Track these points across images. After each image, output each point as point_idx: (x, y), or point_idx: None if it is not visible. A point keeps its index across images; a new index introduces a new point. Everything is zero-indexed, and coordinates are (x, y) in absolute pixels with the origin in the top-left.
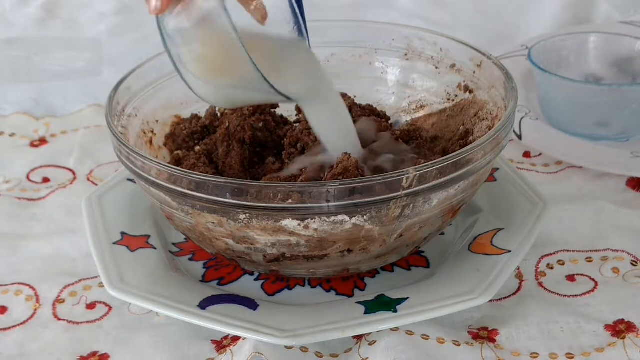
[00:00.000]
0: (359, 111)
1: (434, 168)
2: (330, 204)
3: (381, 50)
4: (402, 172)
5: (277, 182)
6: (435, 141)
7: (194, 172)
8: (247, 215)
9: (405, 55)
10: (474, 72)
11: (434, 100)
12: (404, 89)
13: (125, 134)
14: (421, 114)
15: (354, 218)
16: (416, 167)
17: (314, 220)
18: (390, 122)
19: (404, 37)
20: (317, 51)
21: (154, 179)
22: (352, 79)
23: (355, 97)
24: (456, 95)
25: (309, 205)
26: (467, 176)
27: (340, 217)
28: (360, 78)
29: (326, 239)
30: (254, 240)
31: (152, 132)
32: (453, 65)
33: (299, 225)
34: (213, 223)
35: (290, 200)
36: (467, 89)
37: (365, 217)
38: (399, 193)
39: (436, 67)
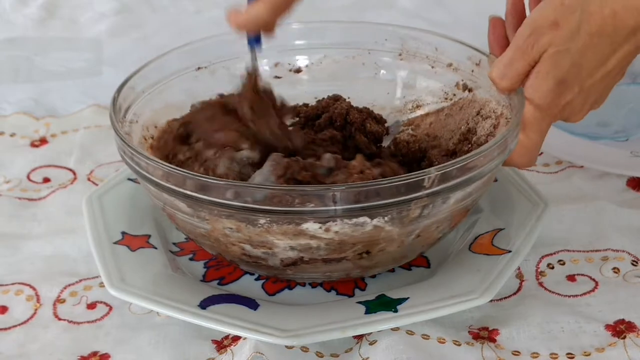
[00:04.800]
0: (356, 114)
1: (454, 168)
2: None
3: (375, 51)
4: (424, 172)
5: (299, 186)
6: (434, 140)
7: (213, 178)
8: (268, 219)
9: (400, 55)
10: (473, 71)
11: (431, 100)
12: (400, 89)
13: (129, 140)
14: (418, 113)
15: (375, 219)
16: (437, 166)
17: (335, 222)
18: (387, 124)
19: (397, 38)
20: (309, 53)
21: (171, 187)
22: (347, 80)
23: (349, 98)
24: (454, 94)
25: (333, 207)
26: (484, 175)
27: (361, 219)
28: (355, 79)
29: (346, 241)
30: (273, 245)
31: (152, 138)
32: (450, 64)
33: (320, 228)
34: (231, 229)
35: (312, 205)
36: (466, 87)
37: (386, 218)
38: (421, 193)
39: (432, 67)
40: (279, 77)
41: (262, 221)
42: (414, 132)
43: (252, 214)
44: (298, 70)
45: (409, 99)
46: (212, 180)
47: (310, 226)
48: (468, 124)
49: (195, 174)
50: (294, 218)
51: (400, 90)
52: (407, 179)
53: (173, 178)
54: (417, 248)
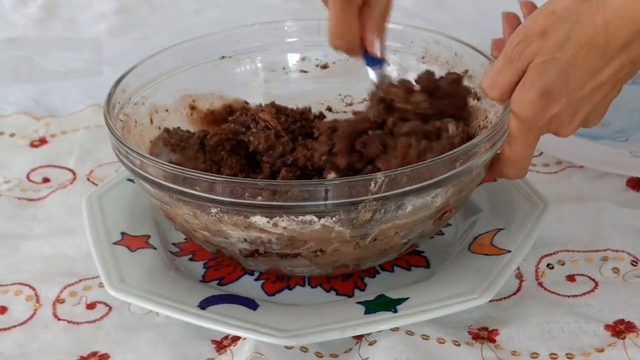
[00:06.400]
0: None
1: (404, 173)
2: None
3: (400, 52)
4: (371, 176)
5: (246, 179)
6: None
7: (168, 164)
8: (218, 209)
9: (423, 58)
10: None
11: None
12: None
13: (128, 121)
14: None
15: (322, 219)
16: (385, 172)
17: (282, 218)
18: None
19: (422, 40)
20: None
21: (136, 168)
22: (370, 80)
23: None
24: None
25: (276, 203)
26: (440, 184)
27: (308, 217)
28: None
29: (296, 237)
30: (228, 235)
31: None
32: (466, 71)
33: (268, 222)
34: (189, 215)
35: (259, 197)
36: (475, 96)
37: (334, 218)
38: (367, 197)
39: None
40: (305, 72)
41: (213, 210)
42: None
43: (202, 202)
44: (325, 66)
45: None
46: (160, 165)
47: (259, 219)
48: (469, 133)
49: (151, 157)
50: (241, 209)
51: None
52: (351, 181)
53: (142, 162)
54: (379, 251)
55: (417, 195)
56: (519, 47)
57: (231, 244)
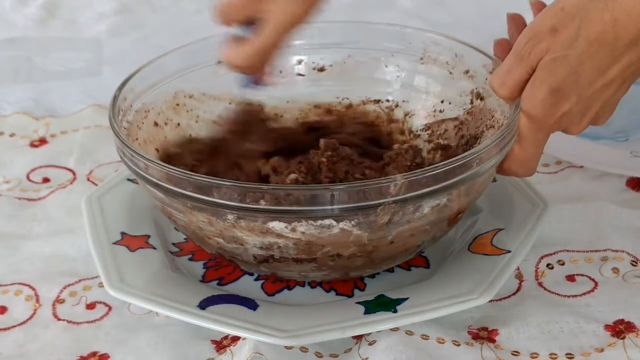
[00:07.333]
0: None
1: (423, 176)
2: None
3: (398, 54)
4: (390, 178)
5: (264, 184)
6: (448, 149)
7: (184, 171)
8: (235, 215)
9: (421, 59)
10: (486, 79)
11: (447, 106)
12: (418, 94)
13: (130, 128)
14: (435, 119)
15: (341, 223)
16: (405, 174)
17: (300, 223)
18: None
19: (420, 42)
20: (334, 52)
21: (145, 174)
22: (368, 82)
23: (367, 98)
24: (471, 102)
25: (295, 208)
26: (457, 185)
27: (327, 222)
28: (376, 81)
29: (314, 242)
30: (243, 241)
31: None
32: (467, 72)
33: (286, 227)
34: (203, 222)
35: (268, 203)
36: (478, 95)
37: (352, 222)
38: (387, 199)
39: (450, 73)
40: (302, 75)
41: (230, 216)
42: (429, 137)
43: (218, 209)
44: (321, 69)
45: (428, 103)
46: (175, 172)
47: (276, 225)
48: (475, 133)
49: (163, 164)
50: (259, 215)
51: (419, 95)
52: (371, 184)
53: (152, 169)
54: (394, 254)
55: (434, 197)
56: (529, 45)
57: (246, 250)
